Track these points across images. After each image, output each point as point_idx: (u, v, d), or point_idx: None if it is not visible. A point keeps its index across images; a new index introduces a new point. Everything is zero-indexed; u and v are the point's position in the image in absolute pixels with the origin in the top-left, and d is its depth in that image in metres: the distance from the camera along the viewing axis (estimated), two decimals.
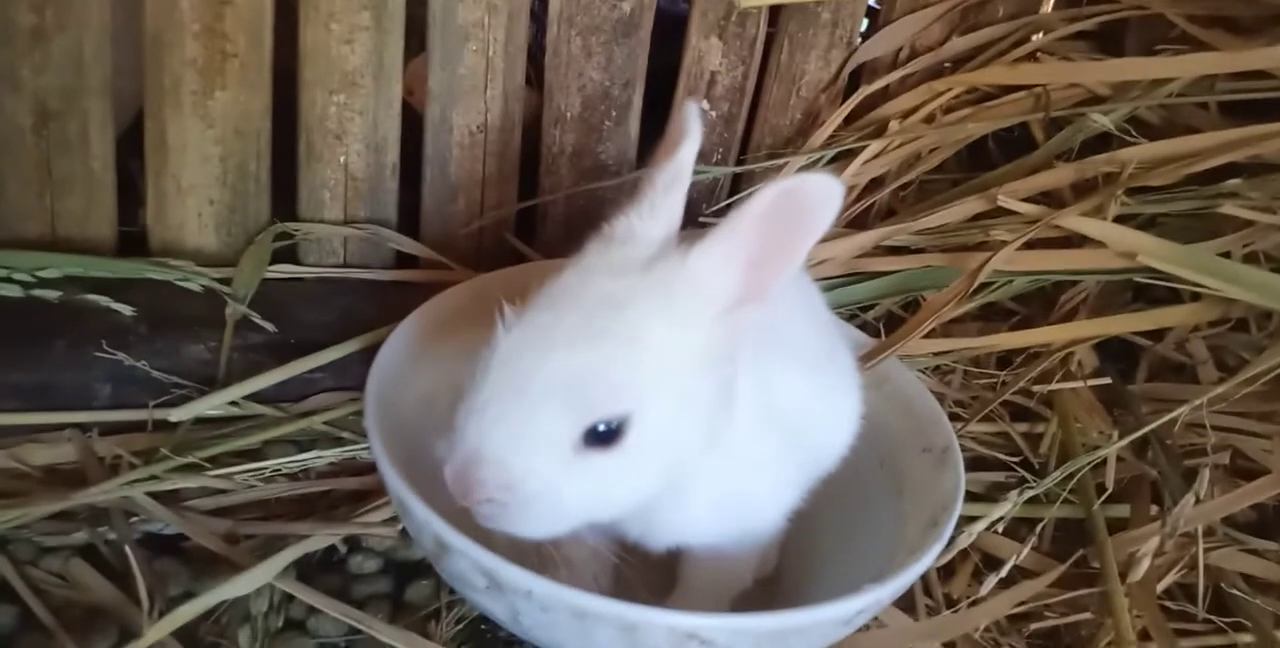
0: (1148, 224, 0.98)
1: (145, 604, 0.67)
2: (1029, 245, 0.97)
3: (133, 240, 1.05)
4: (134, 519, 0.81)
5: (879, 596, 0.65)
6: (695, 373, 0.60)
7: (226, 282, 1.01)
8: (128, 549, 0.71)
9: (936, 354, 1.01)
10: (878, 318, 1.07)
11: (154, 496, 0.82)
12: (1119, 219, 0.97)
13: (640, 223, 0.63)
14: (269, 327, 0.96)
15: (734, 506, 0.68)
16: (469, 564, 0.62)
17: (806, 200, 0.56)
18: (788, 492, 0.72)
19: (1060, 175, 1.02)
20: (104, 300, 0.95)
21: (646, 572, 0.74)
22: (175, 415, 0.86)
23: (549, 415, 0.57)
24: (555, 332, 0.58)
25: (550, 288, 0.61)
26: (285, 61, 1.01)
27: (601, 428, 0.57)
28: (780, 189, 0.56)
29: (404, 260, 1.12)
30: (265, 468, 0.84)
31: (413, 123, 1.08)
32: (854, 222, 1.14)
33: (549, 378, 0.57)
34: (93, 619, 0.72)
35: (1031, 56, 1.12)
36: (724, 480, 0.66)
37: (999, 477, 0.97)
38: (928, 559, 0.69)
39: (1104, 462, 0.93)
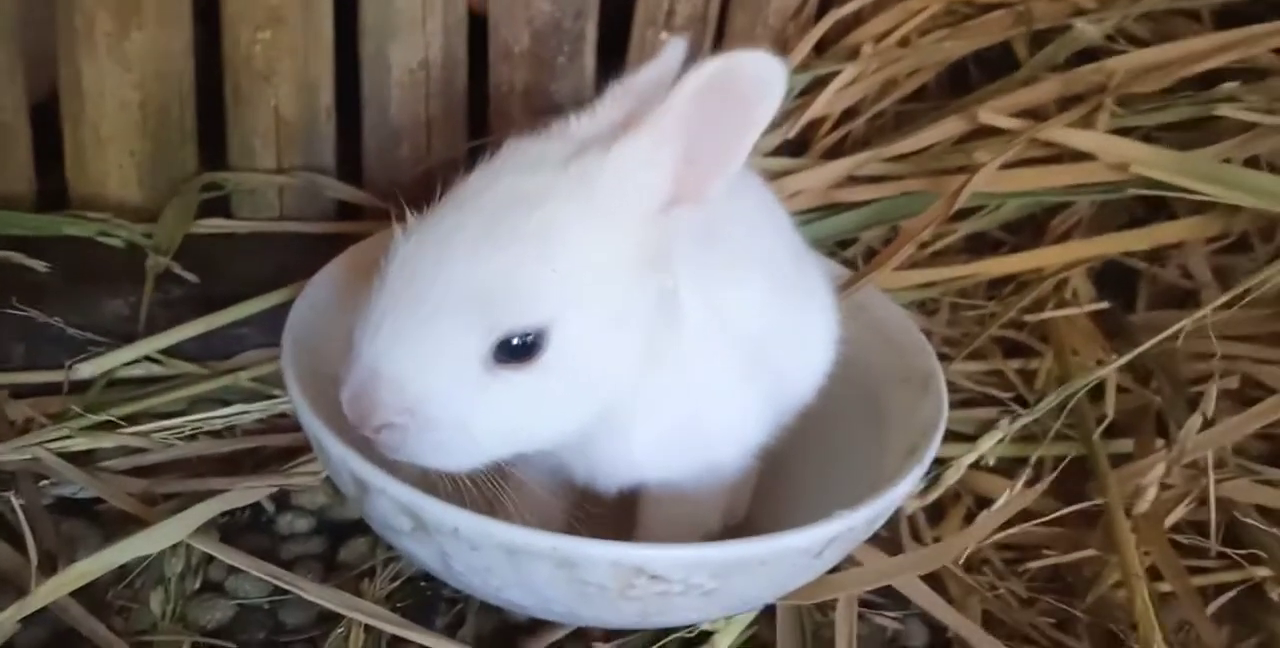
0: (1142, 136, 0.90)
1: (34, 562, 0.60)
2: (1015, 165, 0.90)
3: (55, 196, 0.98)
4: (44, 483, 0.74)
5: (850, 523, 0.58)
6: (624, 281, 0.53)
7: (151, 236, 0.94)
8: (16, 506, 0.64)
9: (920, 286, 0.94)
10: (857, 254, 1.00)
11: (66, 457, 0.75)
12: (1110, 132, 0.89)
13: (577, 123, 0.57)
14: (191, 277, 0.89)
15: (686, 437, 0.61)
16: (389, 504, 0.55)
17: (743, 83, 0.50)
18: (750, 422, 0.65)
19: (1046, 89, 0.95)
20: (16, 256, 0.88)
21: (603, 524, 0.66)
22: (87, 371, 0.79)
23: (452, 328, 0.50)
24: (458, 235, 0.51)
25: (457, 189, 0.54)
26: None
27: (515, 342, 0.51)
28: (711, 71, 0.50)
29: (346, 212, 1.04)
30: (185, 426, 0.77)
31: (349, 61, 1.01)
32: (828, 153, 1.06)
33: (451, 286, 0.50)
34: None
35: None
36: (673, 408, 0.59)
37: (992, 414, 0.90)
38: (905, 486, 0.62)
39: (1102, 392, 0.86)
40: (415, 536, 0.56)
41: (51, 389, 0.83)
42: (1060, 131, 0.87)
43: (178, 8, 0.92)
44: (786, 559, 0.57)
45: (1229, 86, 0.88)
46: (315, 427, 0.58)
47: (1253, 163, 0.85)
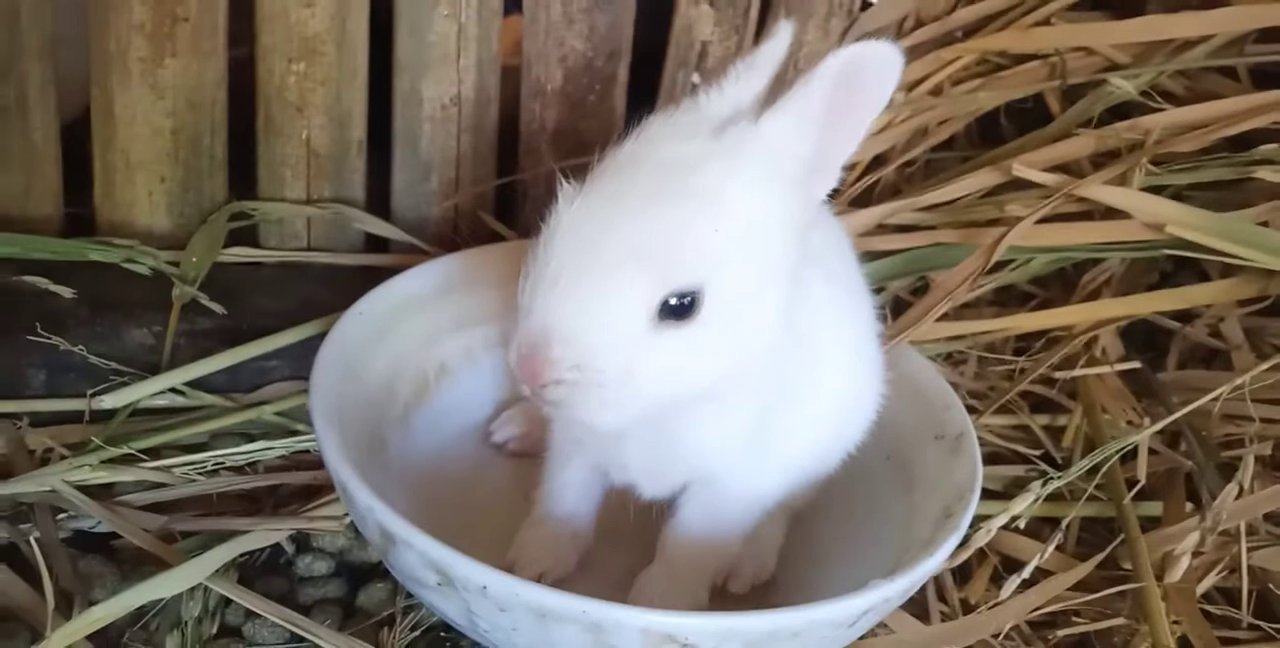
0: (1175, 195, 0.90)
1: (51, 603, 0.59)
2: (1048, 220, 0.89)
3: (83, 221, 0.98)
4: (62, 516, 0.73)
5: (885, 594, 0.57)
6: (773, 243, 0.56)
7: (177, 264, 0.93)
8: (33, 544, 0.63)
9: (949, 339, 0.93)
10: (884, 303, 0.99)
11: (84, 490, 0.74)
12: (1144, 191, 0.89)
13: (707, 100, 0.60)
14: (217, 309, 0.88)
15: (765, 428, 0.63)
16: (417, 558, 0.54)
17: (870, 67, 0.55)
18: (821, 432, 0.68)
19: (1080, 145, 0.94)
20: (42, 282, 0.87)
21: (621, 543, 0.70)
22: (109, 402, 0.79)
23: (624, 285, 0.53)
24: (625, 197, 0.54)
25: (613, 157, 0.57)
26: (242, 27, 0.94)
27: (673, 301, 0.53)
28: (848, 56, 0.55)
29: (373, 243, 1.04)
30: (207, 461, 0.76)
31: (382, 95, 1.01)
32: (857, 201, 1.06)
33: (621, 245, 0.53)
34: (3, 623, 0.64)
35: (1044, 23, 1.05)
36: (767, 394, 0.61)
37: (1018, 472, 0.89)
38: (942, 554, 0.60)
39: (1133, 454, 0.85)
40: (441, 590, 0.55)
41: (72, 418, 0.82)
42: (1095, 188, 0.86)
43: (212, 37, 0.93)
44: (819, 630, 0.56)
45: (1268, 148, 0.88)
46: (345, 474, 0.58)
47: None
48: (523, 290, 0.55)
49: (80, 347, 0.83)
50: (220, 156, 0.98)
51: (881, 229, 0.97)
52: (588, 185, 0.55)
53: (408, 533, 0.53)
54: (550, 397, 0.54)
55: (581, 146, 1.08)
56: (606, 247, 0.53)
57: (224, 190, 0.99)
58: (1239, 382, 0.77)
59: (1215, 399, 0.78)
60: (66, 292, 0.88)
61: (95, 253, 0.92)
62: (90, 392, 0.82)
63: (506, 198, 1.09)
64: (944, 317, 0.92)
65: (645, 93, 1.08)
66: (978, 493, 0.66)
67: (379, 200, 1.04)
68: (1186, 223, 0.83)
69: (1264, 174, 0.84)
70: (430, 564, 0.53)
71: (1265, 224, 0.84)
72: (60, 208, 0.96)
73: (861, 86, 0.55)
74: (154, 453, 0.78)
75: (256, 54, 0.94)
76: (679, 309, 0.53)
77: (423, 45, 0.98)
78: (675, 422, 0.58)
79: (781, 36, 0.60)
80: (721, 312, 0.54)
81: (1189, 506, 0.84)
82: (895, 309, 0.96)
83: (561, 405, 0.54)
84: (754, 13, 1.06)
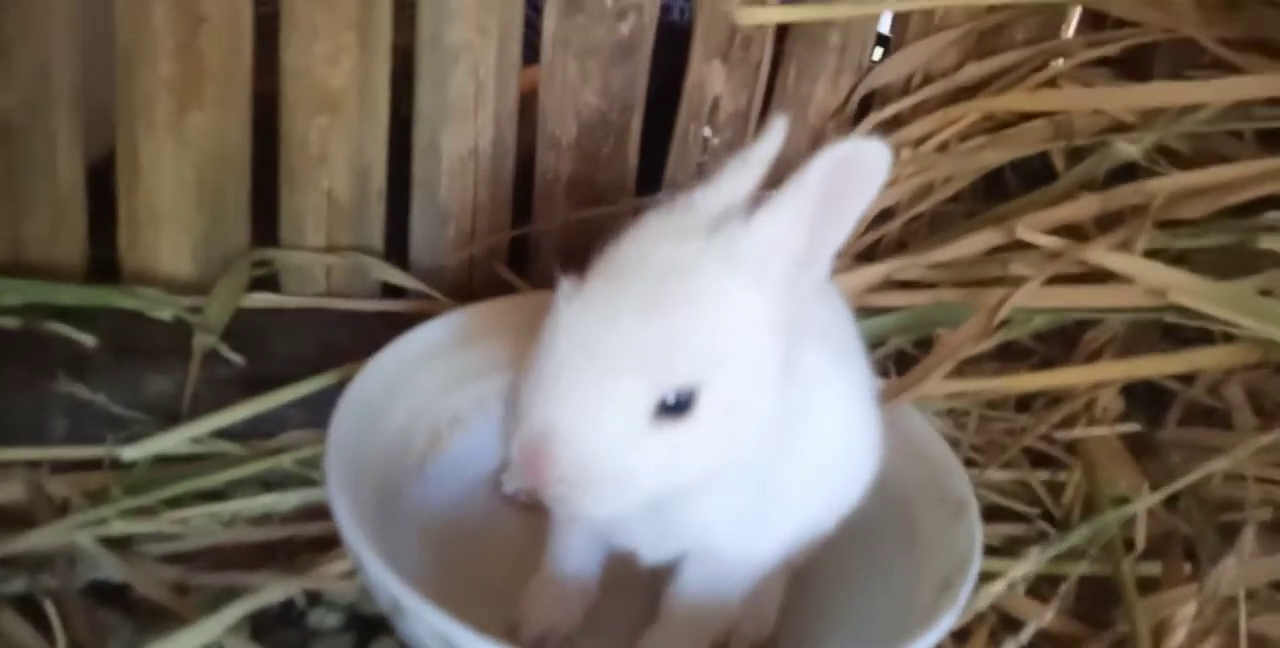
0: (1178, 259, 0.91)
1: None
2: (1051, 281, 0.91)
3: (107, 266, 1.00)
4: (78, 563, 0.75)
5: None
6: (764, 339, 0.58)
7: (199, 310, 0.96)
8: (46, 603, 0.65)
9: (950, 396, 0.95)
10: (887, 355, 1.01)
11: (105, 540, 0.76)
12: (1147, 254, 0.90)
13: (702, 196, 0.62)
14: (236, 359, 0.90)
15: (763, 506, 0.65)
16: (425, 628, 0.56)
17: (860, 165, 0.57)
18: (820, 506, 0.70)
19: (1084, 207, 0.96)
20: (65, 329, 0.90)
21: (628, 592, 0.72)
22: (128, 454, 0.81)
23: (622, 388, 0.55)
24: (622, 299, 0.56)
25: (610, 257, 0.59)
26: (266, 82, 0.97)
27: (671, 400, 0.55)
28: (838, 154, 0.57)
29: (391, 290, 1.06)
30: (224, 512, 0.78)
31: (402, 147, 1.03)
32: (862, 255, 1.08)
33: (620, 348, 0.55)
34: None
35: (1051, 83, 1.06)
36: (763, 474, 0.63)
37: (1018, 530, 0.90)
38: (943, 625, 0.62)
39: (1133, 516, 0.86)
40: None
41: (92, 465, 0.84)
42: (1099, 253, 0.87)
43: (238, 91, 0.95)
44: None
45: (1273, 216, 0.89)
46: (358, 544, 0.59)
47: None
48: (524, 389, 0.57)
49: (102, 395, 0.85)
50: (243, 206, 1.00)
51: (885, 285, 0.99)
52: (587, 286, 0.57)
53: (417, 605, 0.55)
54: (551, 493, 0.56)
55: (595, 196, 1.10)
56: (605, 351, 0.55)
57: (246, 238, 1.01)
58: (1237, 455, 0.78)
59: (1212, 471, 0.79)
60: (89, 338, 0.90)
61: (120, 300, 0.94)
62: (111, 438, 0.84)
63: (520, 246, 1.11)
64: (947, 373, 0.93)
65: (659, 143, 1.11)
66: (977, 564, 0.67)
67: (397, 248, 1.06)
68: (1189, 290, 0.84)
69: (1268, 242, 0.85)
70: (439, 636, 0.55)
71: (1269, 292, 0.86)
72: (85, 254, 0.98)
73: (850, 184, 0.57)
74: (172, 501, 0.80)
75: (280, 109, 0.97)
76: (675, 407, 0.55)
77: (443, 100, 1.00)
78: (673, 503, 0.60)
79: (775, 134, 0.62)
80: (716, 408, 0.56)
81: (1187, 566, 0.85)
82: (899, 362, 0.98)
83: (562, 502, 0.56)
84: (765, 69, 1.09)
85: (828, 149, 0.57)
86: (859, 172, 0.57)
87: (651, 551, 0.67)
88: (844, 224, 0.59)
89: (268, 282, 1.02)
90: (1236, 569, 0.78)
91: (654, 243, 0.58)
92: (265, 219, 1.02)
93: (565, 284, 0.57)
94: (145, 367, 0.90)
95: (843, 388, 0.70)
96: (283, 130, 0.98)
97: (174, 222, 0.98)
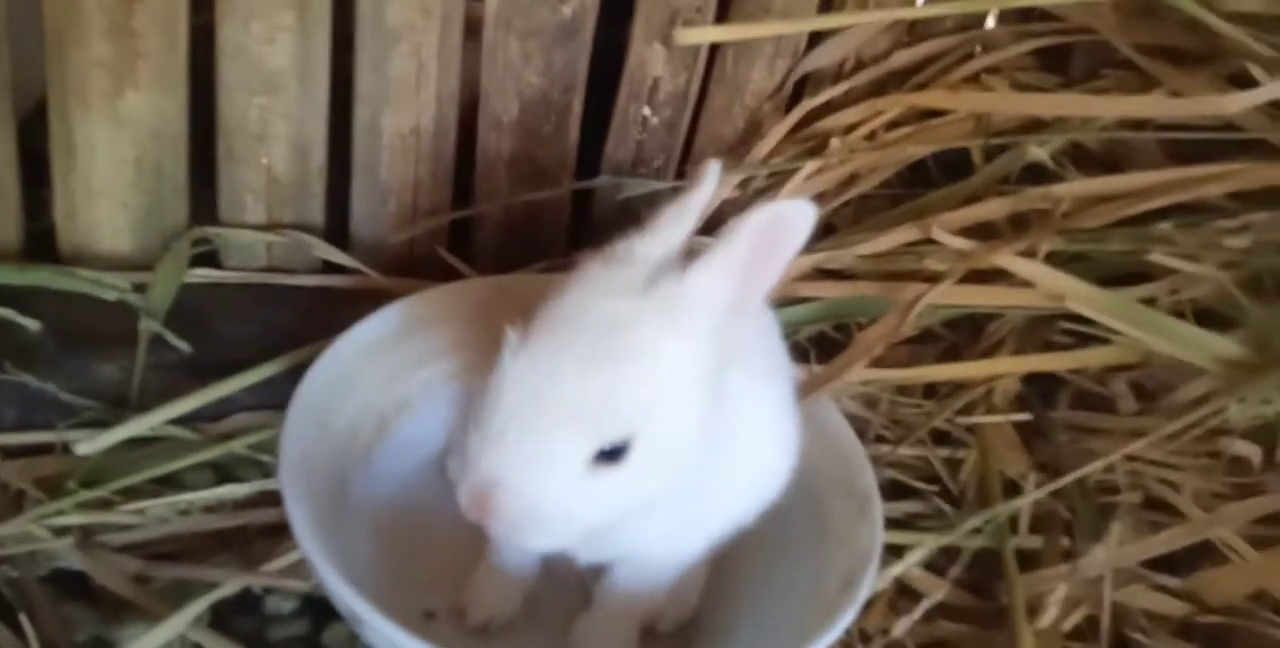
0: (1078, 260, 0.98)
1: None
2: (962, 279, 0.97)
3: (41, 238, 1.00)
4: (39, 555, 0.78)
5: None
6: (697, 383, 0.63)
7: (142, 288, 0.97)
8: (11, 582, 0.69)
9: (864, 382, 1.02)
10: (809, 338, 1.07)
11: (63, 531, 0.79)
12: (1051, 255, 0.97)
13: (641, 245, 0.66)
14: (183, 346, 0.93)
15: (691, 517, 0.71)
16: (381, 639, 0.62)
17: (788, 223, 0.62)
18: (741, 508, 0.76)
19: (995, 207, 1.02)
20: (9, 313, 0.91)
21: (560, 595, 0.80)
22: (82, 449, 0.83)
23: (564, 440, 0.60)
24: (564, 355, 0.60)
25: (553, 309, 0.63)
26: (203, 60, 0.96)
27: (608, 448, 0.60)
28: (767, 215, 0.61)
29: (332, 265, 1.08)
30: (179, 502, 0.82)
31: (341, 121, 1.03)
32: None
33: (562, 403, 0.60)
34: None
35: (975, 77, 1.11)
36: (690, 490, 0.68)
37: (918, 507, 0.99)
38: (842, 624, 0.70)
39: (1020, 491, 0.95)
40: None
41: (44, 450, 0.87)
42: (1005, 258, 0.94)
43: (174, 72, 0.94)
44: None
45: (1163, 228, 0.96)
46: (316, 556, 0.64)
47: (1178, 306, 0.94)
48: (471, 437, 0.61)
49: (51, 384, 0.87)
50: (182, 183, 1.00)
51: (812, 274, 1.05)
52: (531, 340, 0.61)
53: (374, 618, 0.61)
54: (497, 531, 0.62)
55: (536, 174, 1.12)
56: (548, 404, 0.60)
57: (186, 215, 1.02)
58: (1115, 456, 0.88)
59: (1094, 466, 0.88)
60: (33, 323, 0.91)
61: (60, 281, 0.95)
62: (61, 426, 0.86)
63: (462, 222, 1.13)
64: None
65: (599, 123, 1.13)
66: (876, 562, 0.75)
67: (340, 225, 1.08)
68: (1082, 298, 0.92)
69: (1156, 256, 0.93)
70: (390, 643, 0.61)
71: (1152, 301, 0.94)
72: (21, 232, 0.98)
73: (780, 238, 0.62)
74: (126, 490, 0.84)
75: (218, 89, 0.96)
76: (612, 454, 0.60)
77: (384, 80, 1.00)
78: (609, 527, 0.65)
79: (708, 182, 0.66)
80: (650, 452, 0.61)
81: (1065, 540, 0.96)
82: (820, 345, 1.05)
83: (508, 539, 0.63)
84: (704, 51, 1.11)
85: (757, 210, 0.61)
86: (786, 228, 0.62)
87: (587, 556, 0.74)
88: (771, 274, 0.63)
89: (209, 258, 1.03)
90: (1105, 553, 0.87)
91: (594, 297, 0.62)
92: (205, 196, 1.02)
93: (511, 336, 0.61)
94: (91, 352, 0.91)
95: (765, 401, 0.75)
96: (221, 110, 0.98)
97: (112, 200, 0.98)
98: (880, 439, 1.03)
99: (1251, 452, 0.95)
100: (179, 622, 0.71)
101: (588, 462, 0.60)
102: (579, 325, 0.61)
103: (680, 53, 1.09)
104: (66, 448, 0.86)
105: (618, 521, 0.64)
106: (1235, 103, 0.94)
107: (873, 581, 0.74)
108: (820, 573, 0.78)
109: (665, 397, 0.61)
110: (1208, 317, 0.93)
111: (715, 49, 1.12)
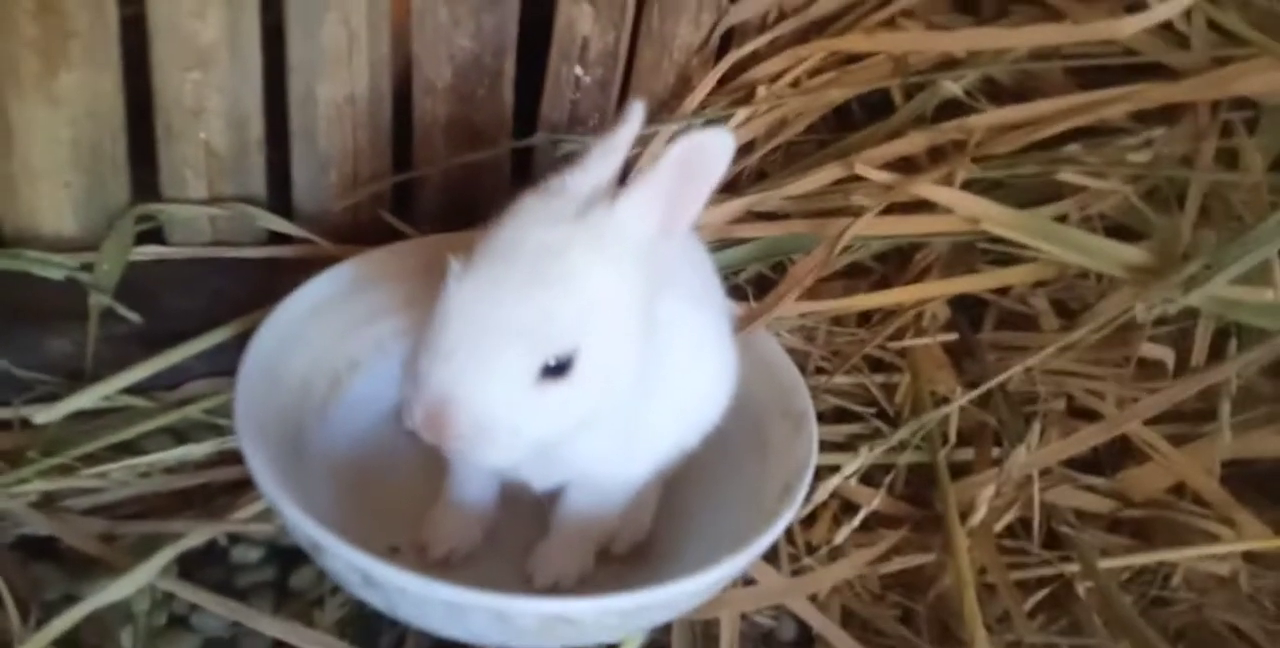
0: (993, 188, 1.03)
1: (12, 613, 0.68)
2: (885, 211, 1.01)
3: None
4: (5, 521, 0.81)
5: (735, 564, 0.70)
6: (628, 305, 0.68)
7: (89, 267, 0.99)
8: None
9: (801, 315, 1.06)
10: (748, 279, 1.11)
11: (28, 499, 0.81)
12: (968, 184, 1.02)
13: (573, 179, 0.70)
14: (133, 317, 0.95)
15: (632, 439, 0.75)
16: (343, 564, 0.65)
17: (708, 152, 0.66)
18: (683, 430, 0.80)
19: (914, 142, 1.06)
20: None
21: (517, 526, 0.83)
22: (41, 417, 0.86)
23: (510, 357, 0.64)
24: (504, 280, 0.65)
25: (493, 239, 0.67)
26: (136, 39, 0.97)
27: (552, 363, 0.64)
28: (688, 144, 0.66)
29: (277, 236, 1.11)
30: (139, 465, 0.85)
31: (276, 91, 1.05)
32: (727, 186, 1.16)
33: (506, 324, 0.64)
34: None
35: (891, 21, 1.15)
36: (631, 413, 0.72)
37: (857, 428, 1.04)
38: (780, 526, 0.74)
39: (950, 411, 1.00)
40: (365, 587, 0.66)
41: (2, 426, 0.89)
42: (924, 187, 0.98)
43: (106, 51, 0.96)
44: (682, 599, 0.69)
45: (1071, 149, 1.01)
46: (275, 494, 0.67)
47: (1088, 221, 0.99)
48: (420, 359, 0.65)
49: (4, 361, 0.89)
50: (122, 161, 1.02)
51: (745, 217, 1.08)
52: (472, 268, 0.65)
53: (334, 544, 0.64)
54: (450, 447, 0.65)
55: (473, 137, 1.15)
56: (491, 325, 0.64)
57: (127, 192, 1.04)
58: (1031, 362, 0.93)
59: (1015, 372, 0.93)
60: None
61: (5, 261, 0.96)
62: (18, 401, 0.88)
63: (403, 187, 1.15)
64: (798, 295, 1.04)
65: (533, 85, 1.15)
66: (811, 469, 0.79)
67: (282, 196, 1.10)
68: (997, 220, 0.96)
69: (1065, 175, 0.98)
70: (356, 570, 0.64)
71: (1064, 218, 0.98)
72: None
73: (701, 167, 0.66)
74: (87, 457, 0.86)
75: (151, 65, 0.98)
76: (556, 369, 0.64)
77: (316, 49, 1.02)
78: (557, 444, 0.69)
79: (633, 120, 0.70)
80: (591, 367, 0.65)
81: (996, 451, 1.01)
82: (758, 285, 1.09)
83: (462, 454, 0.66)
84: (630, 8, 1.13)
85: (680, 139, 0.65)
86: (707, 157, 0.66)
87: (540, 480, 0.78)
88: (696, 201, 0.68)
89: (153, 234, 1.05)
90: (1031, 454, 0.93)
91: (530, 227, 0.67)
92: (147, 174, 1.04)
93: (454, 264, 0.65)
94: (42, 328, 0.93)
95: (700, 327, 0.79)
96: (156, 87, 0.99)
97: (52, 181, 1.00)
98: (820, 370, 1.08)
99: (1165, 355, 1.01)
100: (148, 570, 0.74)
101: (534, 377, 0.64)
102: (516, 253, 0.65)
103: (608, 11, 1.12)
104: (25, 423, 0.88)
105: (564, 436, 0.68)
106: (1129, 26, 0.98)
107: (807, 487, 0.78)
108: (760, 486, 0.83)
109: (600, 315, 0.66)
110: (1116, 230, 0.98)
111: (642, 6, 1.15)
